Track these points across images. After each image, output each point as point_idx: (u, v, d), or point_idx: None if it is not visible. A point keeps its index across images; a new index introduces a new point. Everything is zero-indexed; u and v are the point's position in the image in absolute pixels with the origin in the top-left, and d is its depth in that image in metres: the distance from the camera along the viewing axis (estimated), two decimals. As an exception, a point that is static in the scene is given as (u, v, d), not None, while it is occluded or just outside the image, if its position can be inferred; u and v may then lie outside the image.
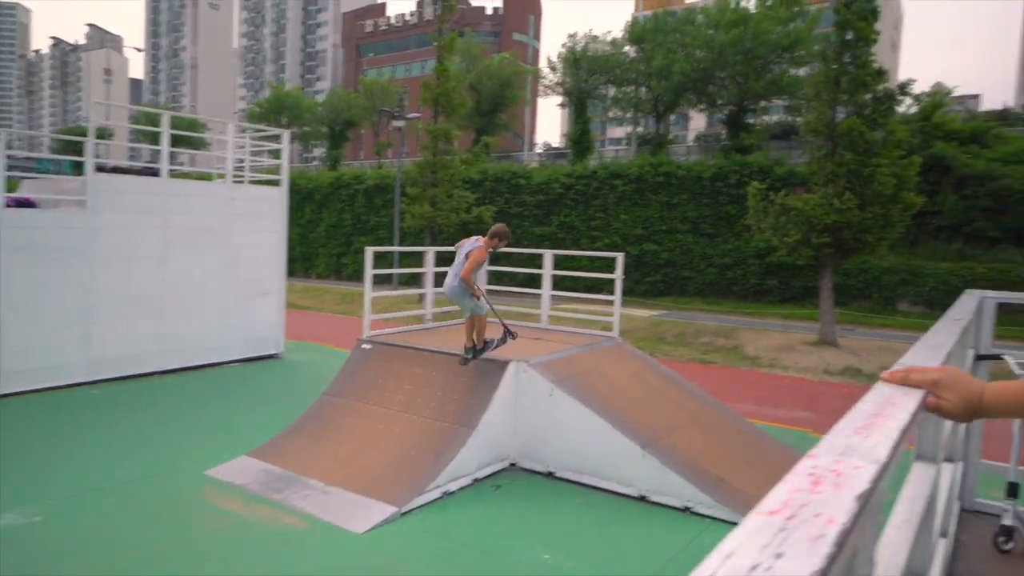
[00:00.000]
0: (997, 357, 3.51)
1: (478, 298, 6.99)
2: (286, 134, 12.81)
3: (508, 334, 7.31)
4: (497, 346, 7.28)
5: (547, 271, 9.81)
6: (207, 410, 9.04)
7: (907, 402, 0.99)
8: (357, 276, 30.56)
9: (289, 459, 6.68)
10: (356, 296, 23.13)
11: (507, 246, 7.12)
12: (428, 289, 9.60)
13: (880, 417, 0.87)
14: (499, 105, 38.58)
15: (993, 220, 22.07)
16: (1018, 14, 64.65)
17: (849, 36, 15.11)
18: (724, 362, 14.89)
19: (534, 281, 10.98)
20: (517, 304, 11.96)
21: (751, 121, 31.10)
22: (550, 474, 6.91)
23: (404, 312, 10.16)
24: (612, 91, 35.55)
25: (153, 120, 38.87)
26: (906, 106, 23.26)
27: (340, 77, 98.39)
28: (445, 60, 22.11)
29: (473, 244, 6.90)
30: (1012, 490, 3.21)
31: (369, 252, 8.44)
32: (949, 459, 2.54)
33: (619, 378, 8.00)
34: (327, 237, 35.40)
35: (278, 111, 46.15)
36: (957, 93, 35.12)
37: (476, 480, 6.60)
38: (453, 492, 6.28)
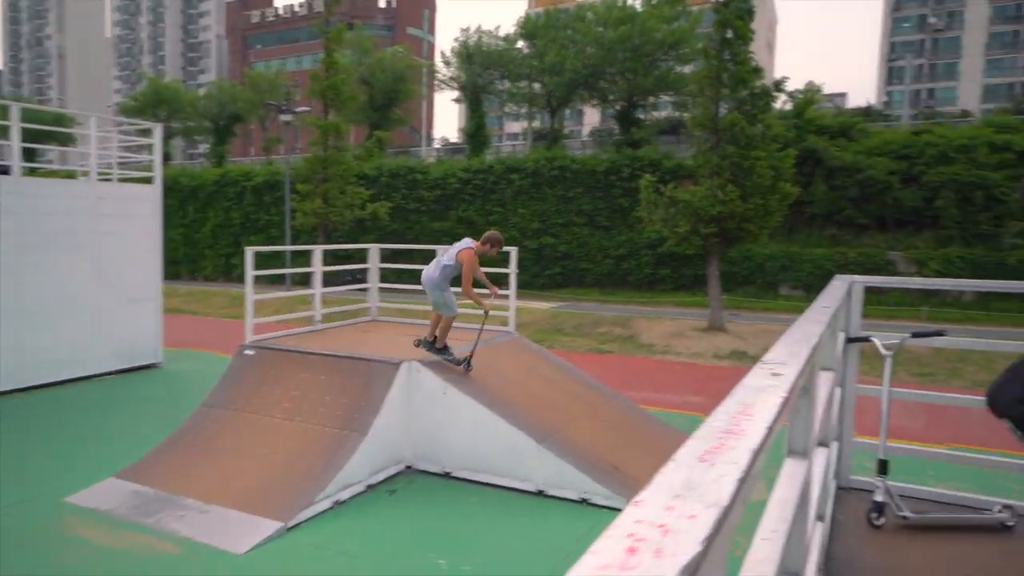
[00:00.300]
0: (866, 339, 3.64)
1: (483, 309, 6.93)
2: (158, 128, 11.93)
3: (467, 363, 7.15)
4: (452, 362, 7.12)
5: (441, 267, 9.61)
6: (70, 430, 8.26)
7: (765, 412, 0.88)
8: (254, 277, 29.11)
9: (163, 479, 6.17)
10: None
11: (497, 254, 7.07)
12: (317, 289, 9.18)
13: (732, 435, 0.75)
14: (393, 99, 37.84)
15: (860, 208, 23.71)
16: (879, 20, 69.91)
17: (728, 34, 15.74)
18: (620, 351, 15.20)
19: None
20: (411, 301, 11.71)
21: (641, 116, 31.98)
22: (447, 474, 6.75)
23: (292, 314, 9.66)
24: (507, 86, 35.64)
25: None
26: (781, 103, 24.57)
27: (226, 69, 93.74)
28: (334, 52, 21.39)
29: (464, 246, 6.79)
30: (882, 467, 3.33)
31: (249, 252, 7.95)
32: (823, 443, 2.57)
33: (515, 373, 7.93)
34: (214, 237, 33.61)
35: (156, 105, 43.26)
36: (827, 91, 37.53)
37: (369, 486, 6.34)
38: (344, 501, 5.99)
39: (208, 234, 33.77)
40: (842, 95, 59.84)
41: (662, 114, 36.94)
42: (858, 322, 3.72)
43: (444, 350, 7.12)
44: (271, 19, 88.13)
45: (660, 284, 25.49)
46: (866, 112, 36.45)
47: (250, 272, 7.89)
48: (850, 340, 3.69)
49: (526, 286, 26.52)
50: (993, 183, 21.88)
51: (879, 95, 68.16)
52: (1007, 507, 3.28)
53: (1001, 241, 21.76)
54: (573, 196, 27.19)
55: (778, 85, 16.36)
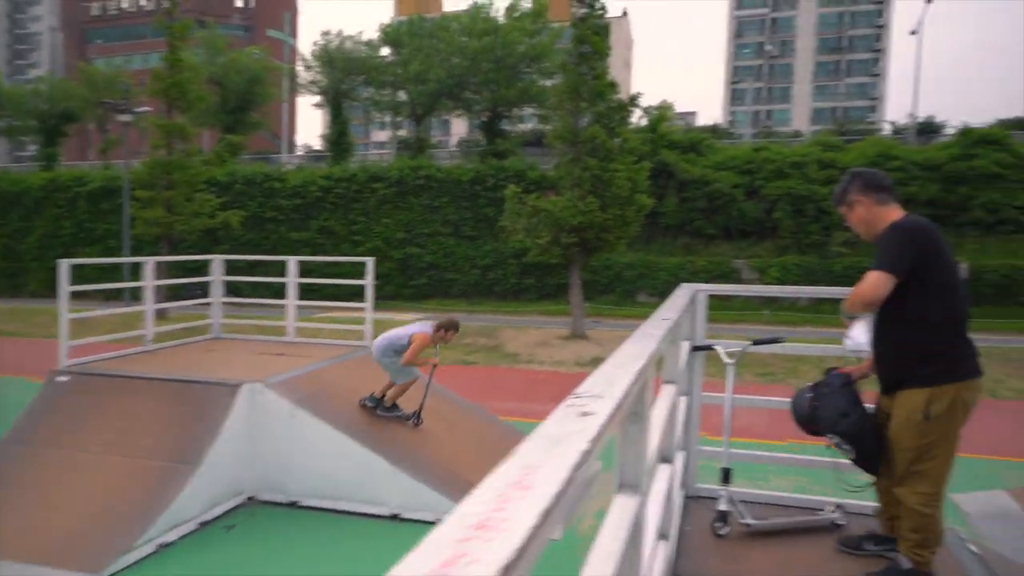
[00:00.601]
0: (709, 348, 3.66)
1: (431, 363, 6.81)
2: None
3: (416, 418, 6.87)
4: (401, 418, 6.85)
5: (292, 280, 9.05)
6: None
7: (547, 484, 0.67)
8: (83, 293, 26.39)
9: (-55, 532, 5.25)
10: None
11: (451, 339, 6.88)
12: (149, 305, 8.31)
13: (483, 532, 0.53)
14: (249, 103, 35.94)
15: (709, 219, 25.22)
16: (723, 44, 75.39)
17: (585, 49, 16.16)
18: (486, 361, 15.09)
19: (303, 292, 10.11)
20: (265, 316, 10.97)
21: (507, 128, 32.36)
22: (293, 504, 6.25)
23: (117, 335, 8.65)
24: (371, 93, 34.89)
25: None
26: (637, 118, 25.70)
27: (60, 64, 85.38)
28: (178, 49, 19.91)
29: (421, 329, 6.67)
30: (725, 475, 3.33)
31: (64, 265, 7.05)
32: (666, 459, 2.47)
33: (369, 390, 7.54)
34: (41, 248, 30.22)
35: (-30, 99, 38.51)
36: (679, 110, 39.80)
37: (203, 524, 5.73)
38: (172, 543, 5.36)
39: (34, 245, 30.37)
40: (692, 114, 63.90)
41: (528, 127, 37.63)
42: (703, 330, 3.73)
43: (393, 407, 6.90)
44: (113, 12, 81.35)
45: (525, 294, 25.77)
46: (713, 130, 39.00)
47: (65, 287, 7.00)
48: (695, 349, 3.69)
49: (392, 297, 25.96)
50: (820, 196, 23.99)
51: (724, 115, 73.46)
52: (838, 506, 3.39)
53: (829, 250, 23.85)
54: (439, 206, 26.96)
55: (633, 100, 16.98)
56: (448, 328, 6.71)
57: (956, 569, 2.99)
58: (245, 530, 5.78)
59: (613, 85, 16.57)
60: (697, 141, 26.97)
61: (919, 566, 2.77)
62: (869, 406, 2.98)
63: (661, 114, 26.35)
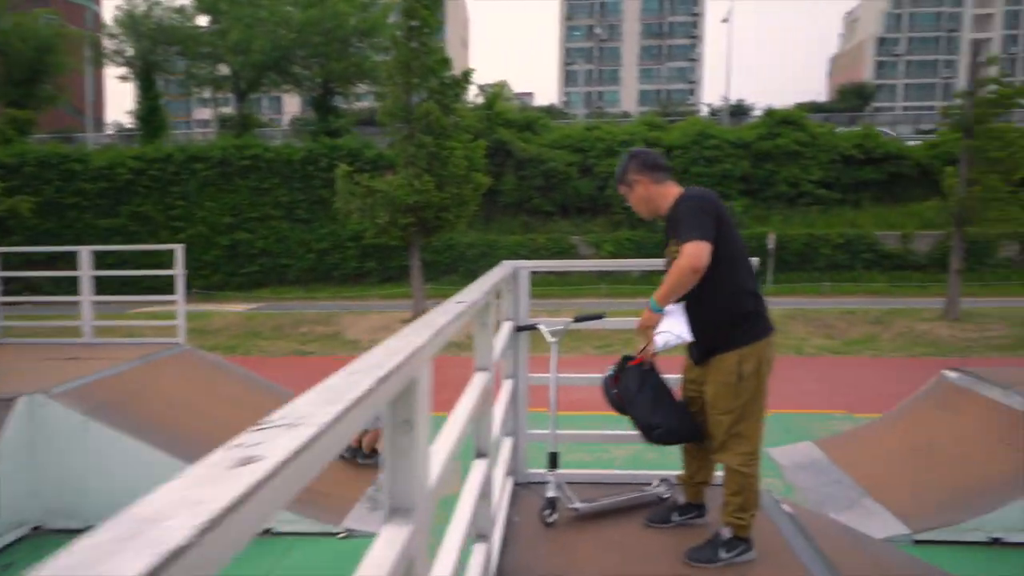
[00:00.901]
0: (533, 327, 3.51)
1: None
2: None
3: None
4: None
5: (85, 272, 7.96)
6: None
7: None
8: None
9: None
10: None
11: None
12: None
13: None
14: (40, 73, 31.73)
15: (546, 197, 25.76)
16: (556, 26, 77.29)
17: (415, 23, 15.67)
18: (323, 351, 14.41)
19: (106, 287, 8.92)
20: (63, 316, 9.63)
21: (342, 105, 31.03)
22: (90, 529, 5.47)
23: None
24: (189, 66, 32.03)
25: None
26: (473, 96, 25.61)
27: None
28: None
29: None
30: (552, 460, 3.21)
31: None
32: (482, 453, 2.26)
33: (182, 393, 6.81)
34: None
35: None
36: (517, 91, 40.29)
37: (-30, 566, 4.84)
38: (-75, 595, 4.47)
39: None
40: (530, 95, 65.16)
41: (365, 105, 36.40)
42: (526, 310, 3.58)
43: (373, 455, 6.47)
44: None
45: (367, 277, 25.02)
46: (548, 110, 39.95)
47: None
48: (519, 329, 3.53)
49: (220, 287, 24.18)
50: (649, 174, 25.29)
51: (559, 95, 75.61)
52: (663, 480, 3.38)
53: (657, 224, 25.24)
54: (269, 187, 25.38)
55: (466, 76, 16.74)
56: None
57: (772, 531, 3.07)
58: (26, 566, 4.96)
59: (446, 61, 16.25)
60: (533, 120, 27.40)
61: (740, 530, 2.81)
62: (673, 378, 2.99)
63: (497, 92, 26.42)
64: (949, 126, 19.00)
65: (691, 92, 73.92)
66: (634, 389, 2.93)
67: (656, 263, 3.08)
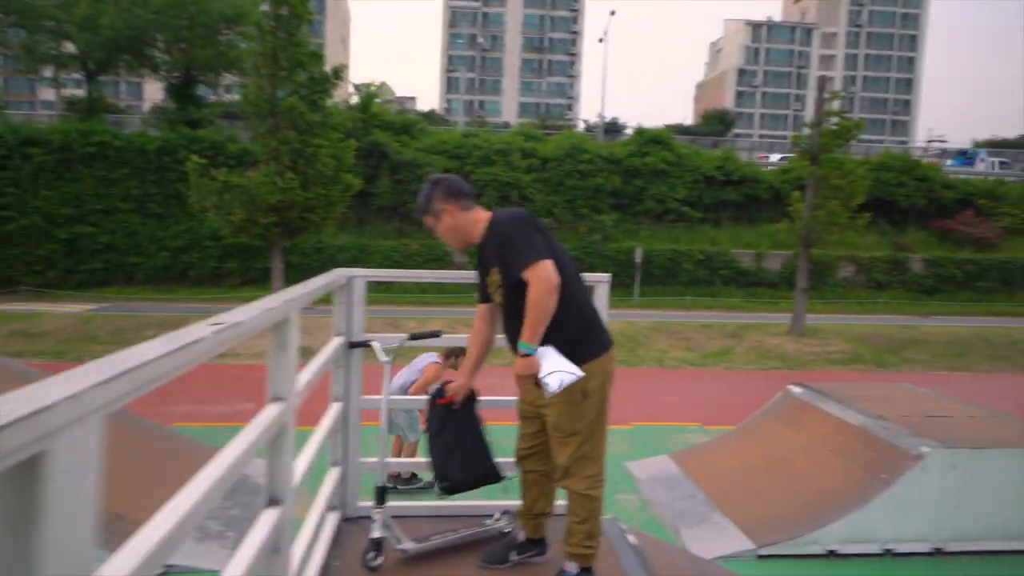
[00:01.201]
0: (366, 344, 3.15)
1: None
2: None
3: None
4: (425, 487, 5.63)
5: None
6: None
7: None
8: None
9: None
10: None
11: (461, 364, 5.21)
12: None
13: None
14: None
15: (421, 202, 25.32)
16: (439, 32, 77.05)
17: (284, 11, 14.84)
18: (168, 358, 13.20)
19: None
20: None
21: (206, 95, 29.06)
22: None
23: None
24: (27, 39, 28.81)
25: None
26: (348, 95, 24.76)
27: None
28: None
29: (432, 359, 5.93)
30: (380, 495, 2.84)
31: None
32: (275, 500, 1.88)
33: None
34: None
35: None
36: (400, 94, 39.53)
37: None
38: None
39: None
40: (412, 99, 64.46)
41: (233, 97, 34.30)
42: (361, 324, 3.20)
43: (412, 479, 5.93)
44: None
45: (227, 279, 23.45)
46: (428, 115, 39.52)
47: None
48: (352, 345, 3.15)
49: (56, 285, 21.88)
50: (524, 184, 25.48)
51: (441, 102, 75.31)
52: (506, 512, 3.11)
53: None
54: (117, 178, 23.24)
55: (337, 72, 16.05)
56: (453, 355, 5.89)
57: (614, 565, 2.87)
58: None
59: (316, 55, 15.51)
60: (410, 124, 26.90)
61: (585, 560, 2.62)
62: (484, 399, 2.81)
63: (373, 93, 25.71)
64: (799, 154, 20.46)
65: (569, 107, 75.99)
66: (433, 432, 2.72)
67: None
